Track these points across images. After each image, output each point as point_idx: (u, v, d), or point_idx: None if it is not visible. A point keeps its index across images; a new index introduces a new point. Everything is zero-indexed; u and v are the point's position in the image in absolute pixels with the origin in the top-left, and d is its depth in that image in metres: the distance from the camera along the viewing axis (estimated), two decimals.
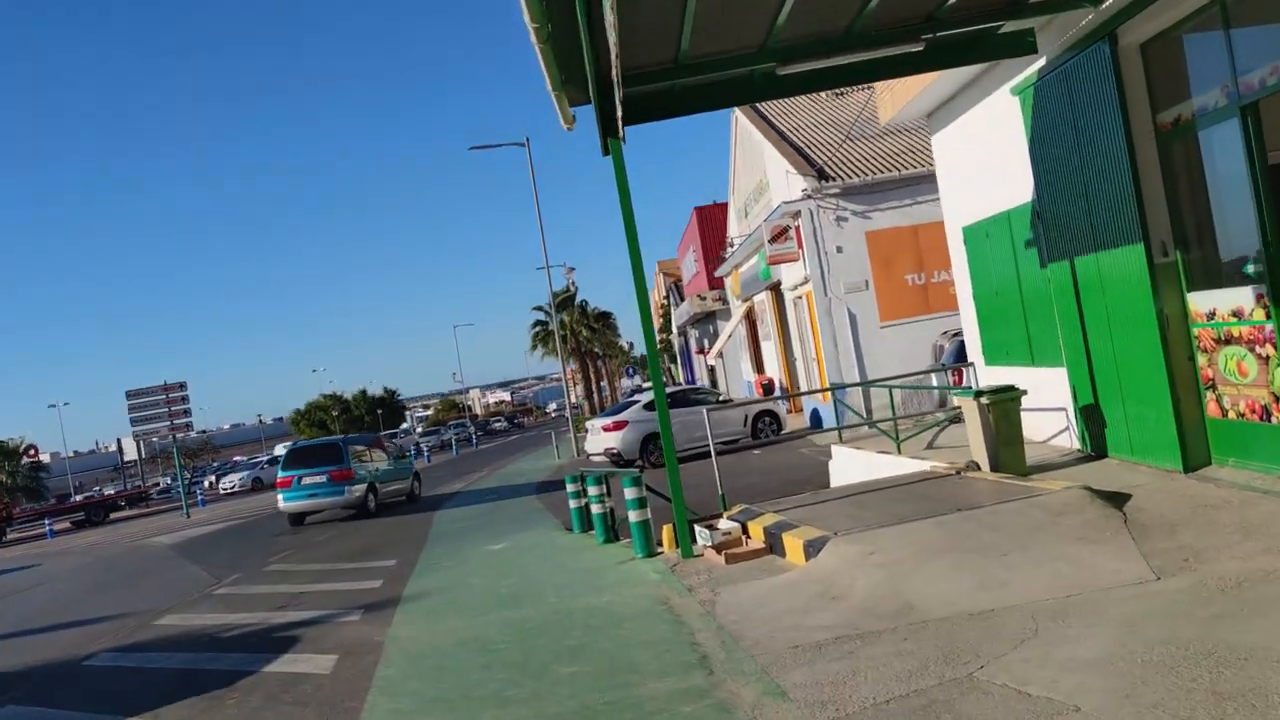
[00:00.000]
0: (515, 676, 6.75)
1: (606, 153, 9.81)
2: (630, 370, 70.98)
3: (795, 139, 27.10)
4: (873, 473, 13.27)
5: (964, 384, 16.43)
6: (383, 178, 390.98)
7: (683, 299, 66.25)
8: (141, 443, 47.72)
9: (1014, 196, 11.70)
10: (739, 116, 31.71)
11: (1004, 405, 10.01)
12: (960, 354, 20.64)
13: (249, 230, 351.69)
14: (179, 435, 34.31)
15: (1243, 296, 8.09)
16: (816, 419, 25.79)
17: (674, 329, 75.71)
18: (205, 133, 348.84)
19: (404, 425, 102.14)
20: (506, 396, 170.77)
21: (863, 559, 7.32)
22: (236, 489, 54.83)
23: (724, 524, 9.53)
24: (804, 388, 27.10)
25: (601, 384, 70.33)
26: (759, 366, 37.54)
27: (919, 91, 12.81)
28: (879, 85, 14.17)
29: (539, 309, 63.19)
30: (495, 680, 6.78)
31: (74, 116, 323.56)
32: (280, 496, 23.67)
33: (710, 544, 9.18)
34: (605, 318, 65.53)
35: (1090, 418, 10.46)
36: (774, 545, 8.67)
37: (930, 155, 24.61)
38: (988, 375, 13.28)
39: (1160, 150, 8.93)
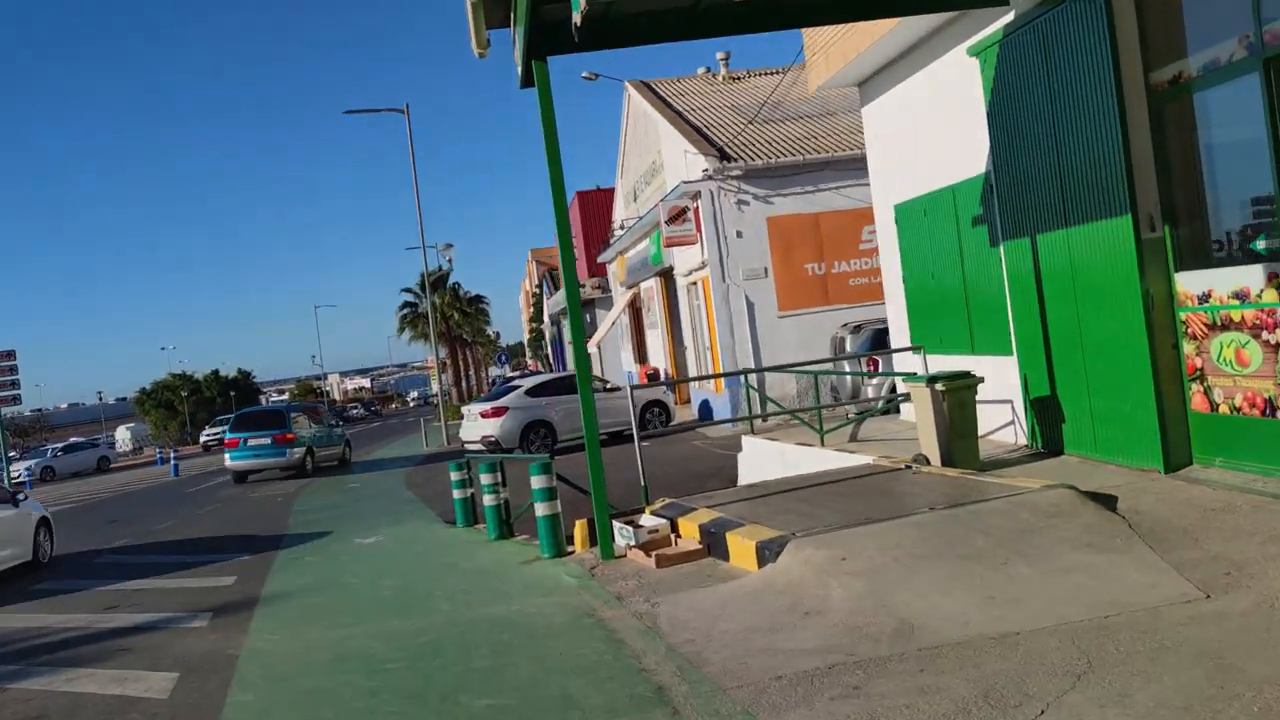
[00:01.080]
0: (413, 710, 5.29)
1: (527, 83, 8.39)
2: (502, 358, 69.08)
3: (693, 119, 26.01)
4: (793, 468, 12.16)
5: (879, 372, 15.56)
6: (245, 144, 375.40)
7: (556, 288, 64.82)
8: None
9: (961, 169, 10.74)
10: (632, 94, 30.49)
11: (960, 393, 8.99)
12: (867, 348, 19.89)
13: (95, 191, 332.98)
14: (6, 410, 31.05)
15: (1249, 276, 7.19)
16: (707, 410, 24.74)
17: (545, 318, 74.18)
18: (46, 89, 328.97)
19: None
20: (366, 383, 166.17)
21: (833, 565, 6.11)
22: (23, 478, 42.87)
23: (649, 520, 8.21)
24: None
25: (470, 372, 68.16)
26: (641, 356, 36.41)
27: (857, 54, 11.72)
28: (811, 48, 13.07)
29: (408, 290, 60.79)
30: (387, 713, 5.31)
31: None
32: (227, 456, 25.68)
33: (634, 543, 7.87)
34: (478, 301, 63.45)
35: (1044, 411, 9.54)
36: (713, 546, 7.40)
37: (835, 141, 23.99)
38: (919, 365, 12.32)
39: (1151, 113, 8.00)
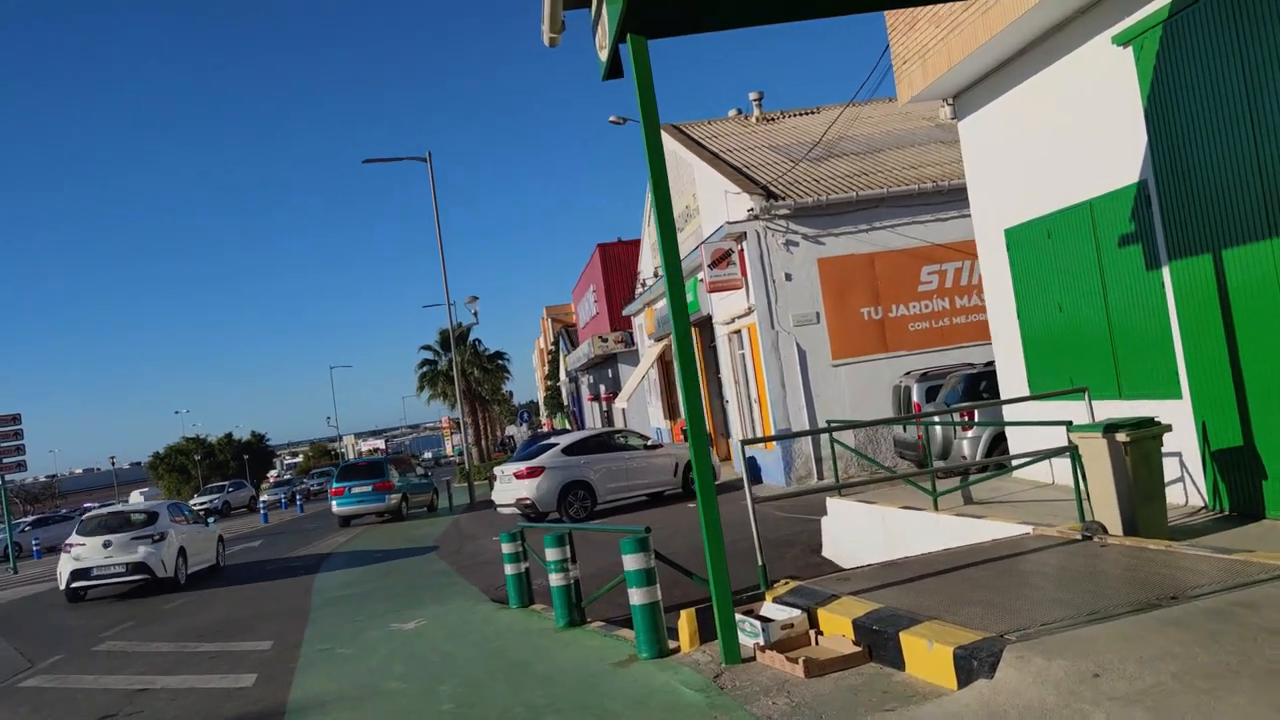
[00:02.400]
0: None
1: (613, 73, 6.89)
2: (523, 415, 67.38)
3: (731, 160, 24.61)
4: (897, 537, 10.48)
5: (976, 422, 13.83)
6: (260, 204, 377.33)
7: (574, 344, 63.36)
8: (2, 482, 42.20)
9: (1101, 181, 9.17)
10: (662, 136, 29.15)
11: (1144, 444, 7.31)
12: (932, 398, 18.25)
13: (112, 261, 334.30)
14: (8, 476, 29.47)
15: None
16: (754, 468, 22.99)
17: (562, 375, 72.63)
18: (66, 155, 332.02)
19: (273, 472, 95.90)
20: (381, 444, 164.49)
21: (1086, 686, 4.41)
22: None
23: (777, 611, 6.51)
24: (737, 433, 24.33)
25: (487, 430, 66.50)
26: (672, 412, 34.74)
27: (965, 57, 10.21)
28: (902, 56, 11.58)
29: (427, 348, 59.31)
30: None
31: None
32: (334, 503, 28.93)
33: (763, 642, 6.17)
34: (498, 358, 61.92)
35: (1233, 466, 7.87)
36: (877, 648, 5.70)
37: (888, 177, 22.55)
38: (1036, 414, 10.64)
39: None
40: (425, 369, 59.58)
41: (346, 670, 8.79)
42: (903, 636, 5.45)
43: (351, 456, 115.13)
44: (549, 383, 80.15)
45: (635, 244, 45.78)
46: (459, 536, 21.49)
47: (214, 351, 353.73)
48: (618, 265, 46.89)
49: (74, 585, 18.12)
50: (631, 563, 7.01)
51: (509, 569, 10.58)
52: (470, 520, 25.15)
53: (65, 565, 18.34)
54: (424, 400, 60.21)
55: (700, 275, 25.51)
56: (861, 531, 11.37)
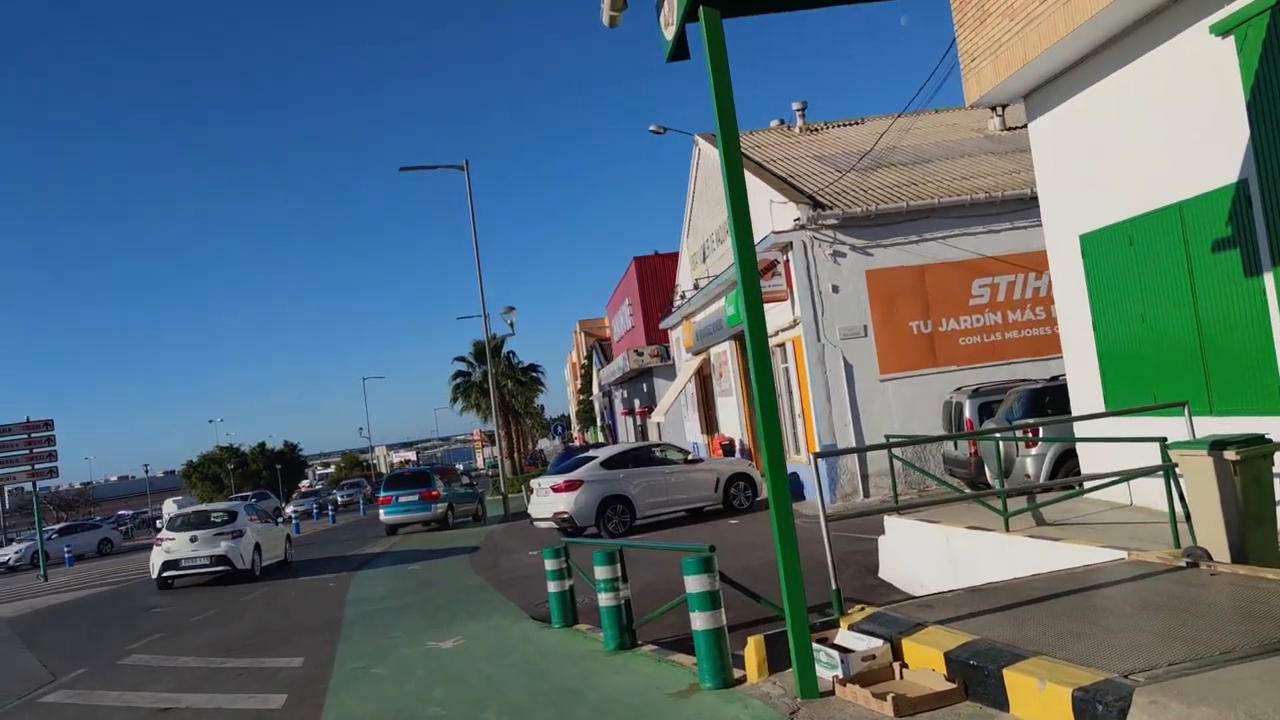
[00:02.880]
0: None
1: (678, 54, 6.39)
2: (557, 429, 66.92)
3: (776, 170, 24.08)
4: (964, 559, 9.87)
5: (1042, 438, 13.16)
6: (291, 214, 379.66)
7: (608, 358, 62.90)
8: (6, 491, 42.16)
9: (1192, 182, 8.56)
10: (703, 147, 28.74)
11: (1255, 464, 6.68)
12: (986, 414, 17.60)
13: (149, 267, 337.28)
14: (41, 482, 29.27)
15: None
16: (796, 485, 22.37)
17: (595, 389, 72.18)
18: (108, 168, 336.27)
19: (305, 482, 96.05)
20: (412, 456, 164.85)
21: None
22: (12, 562, 40.85)
23: (857, 640, 5.94)
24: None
25: (520, 444, 66.12)
26: (709, 426, 34.17)
27: (1040, 52, 9.63)
28: (970, 54, 11.01)
29: (461, 359, 59.04)
30: None
31: None
32: (381, 511, 29.50)
33: (842, 674, 5.61)
34: (531, 370, 61.57)
35: None
36: (974, 685, 5.13)
37: (938, 188, 21.93)
38: (1112, 431, 10.00)
39: None
40: (459, 380, 59.32)
41: (382, 692, 8.29)
42: (1007, 673, 4.87)
43: (384, 468, 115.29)
44: (581, 397, 79.79)
45: (672, 257, 45.34)
46: (494, 550, 21.01)
47: (249, 361, 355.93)
48: (654, 279, 46.42)
49: (164, 574, 20.57)
50: (695, 584, 6.46)
51: (552, 586, 10.06)
52: (505, 533, 24.68)
53: (157, 557, 20.81)
54: (457, 412, 59.91)
55: None
56: (923, 553, 10.76)
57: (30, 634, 15.96)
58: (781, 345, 22.57)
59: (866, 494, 20.00)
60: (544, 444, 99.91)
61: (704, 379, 34.03)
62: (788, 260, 20.77)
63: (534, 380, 61.94)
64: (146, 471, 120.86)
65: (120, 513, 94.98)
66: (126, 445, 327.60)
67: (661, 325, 38.81)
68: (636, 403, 50.65)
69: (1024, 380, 17.31)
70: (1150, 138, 9.12)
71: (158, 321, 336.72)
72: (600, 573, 8.29)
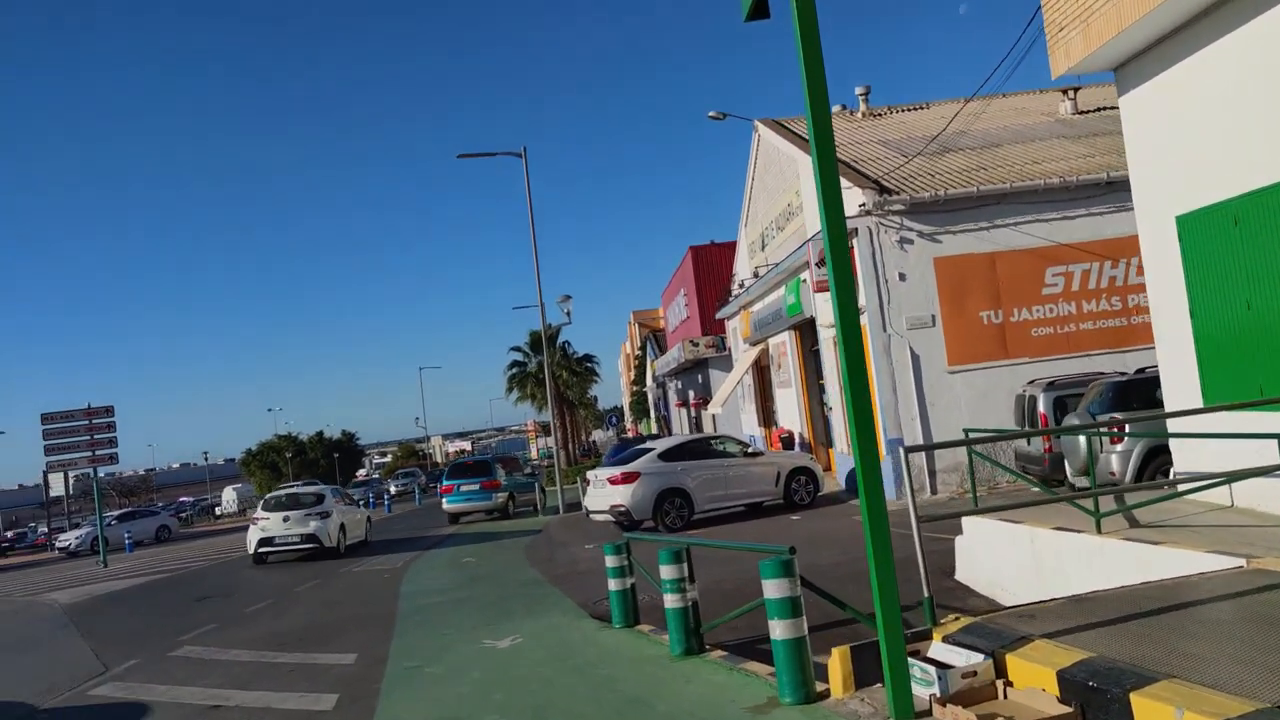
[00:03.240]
0: None
1: (756, 13, 5.88)
2: (612, 420, 66.58)
3: (839, 154, 23.38)
4: (1049, 562, 9.26)
5: (1132, 434, 12.46)
6: (350, 206, 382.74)
7: (662, 349, 62.46)
8: (70, 476, 42.77)
9: None
10: (762, 132, 28.11)
11: None
12: (1061, 409, 16.89)
13: (217, 261, 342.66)
14: (101, 468, 29.55)
15: None
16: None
17: (649, 381, 71.79)
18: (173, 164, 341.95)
19: (361, 471, 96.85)
20: (467, 446, 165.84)
21: None
22: (73, 548, 42.11)
23: (954, 654, 5.41)
24: (841, 443, 23.11)
25: (577, 435, 65.92)
26: (767, 419, 33.58)
27: (1138, 19, 8.96)
28: (1057, 23, 10.36)
29: (517, 349, 58.92)
30: None
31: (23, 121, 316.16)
32: (444, 500, 30.06)
33: (939, 692, 5.09)
34: (586, 361, 61.26)
35: None
36: (1092, 709, 4.58)
37: (1010, 172, 21.14)
38: (1212, 425, 9.32)
39: None
40: (514, 370, 59.22)
41: (437, 694, 7.90)
42: (1135, 698, 4.32)
43: (439, 458, 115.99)
44: (635, 388, 79.50)
45: (729, 247, 44.74)
46: (550, 543, 20.66)
47: (308, 350, 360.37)
48: (710, 268, 45.89)
49: (260, 550, 22.45)
50: (774, 589, 5.96)
51: (613, 584, 9.61)
52: (560, 526, 24.33)
53: (253, 535, 22.62)
54: (512, 402, 59.79)
55: (804, 275, 24.38)
56: (1005, 555, 10.16)
57: (86, 622, 15.89)
58: None
59: (934, 490, 19.34)
60: (598, 435, 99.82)
61: (762, 370, 33.44)
62: (852, 247, 20.13)
63: (589, 371, 61.68)
64: (206, 459, 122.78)
65: (181, 499, 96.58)
66: (189, 433, 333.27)
67: (718, 315, 38.26)
68: (691, 394, 50.16)
69: (1104, 373, 16.58)
70: (1257, 109, 8.43)
71: (220, 311, 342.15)
72: (666, 572, 7.82)
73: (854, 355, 5.65)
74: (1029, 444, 17.73)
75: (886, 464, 19.71)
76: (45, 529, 58.58)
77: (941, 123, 25.56)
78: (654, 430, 67.67)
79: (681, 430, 49.89)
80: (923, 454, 19.42)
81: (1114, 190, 19.80)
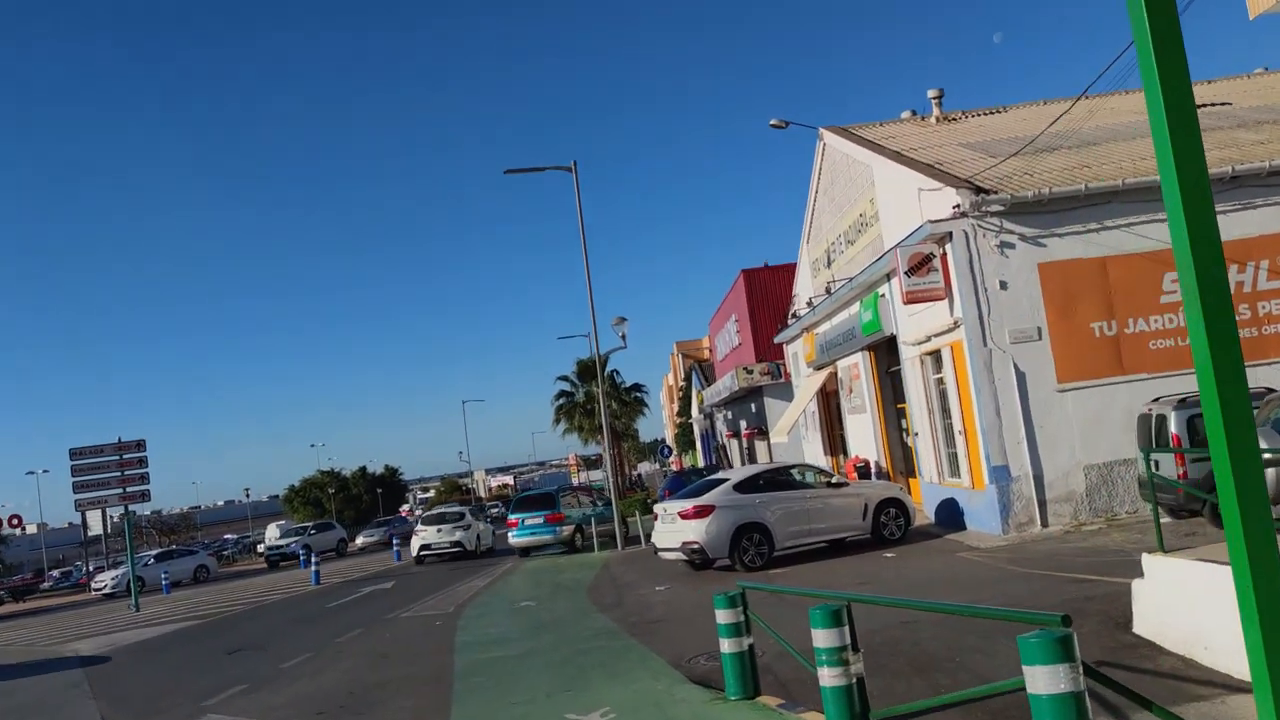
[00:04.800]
0: None
1: None
2: (664, 451, 64.59)
3: (921, 157, 21.53)
4: None
5: None
6: (388, 238, 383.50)
7: (708, 380, 60.59)
8: (109, 514, 41.50)
9: None
10: (829, 140, 26.32)
11: None
12: (1195, 430, 14.87)
13: (261, 299, 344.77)
14: (138, 505, 28.04)
15: None
16: (952, 512, 19.68)
17: (694, 412, 69.87)
18: (207, 187, 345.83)
19: (404, 506, 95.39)
20: (509, 480, 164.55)
21: None
22: (109, 589, 40.34)
23: None
24: (930, 473, 21.07)
25: (624, 468, 64.01)
26: (834, 447, 31.54)
27: None
28: None
29: (564, 378, 57.19)
30: None
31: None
32: (510, 534, 29.16)
33: None
34: (635, 390, 59.44)
35: None
36: None
37: (1118, 169, 19.15)
38: None
39: None
40: (562, 400, 57.46)
41: None
42: None
43: (482, 492, 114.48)
44: (680, 419, 77.56)
45: (784, 269, 42.94)
46: (613, 584, 18.74)
47: (352, 385, 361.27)
48: (763, 292, 44.08)
49: (421, 553, 30.80)
50: (1045, 681, 4.00)
51: (727, 644, 7.70)
52: (621, 564, 22.40)
53: (415, 542, 31.24)
54: (559, 434, 58.01)
55: (881, 290, 22.46)
56: (1211, 605, 8.13)
57: (104, 678, 14.20)
58: (934, 353, 19.96)
59: (1045, 523, 17.26)
60: (643, 467, 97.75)
61: (828, 396, 31.45)
62: (944, 254, 18.23)
63: (637, 400, 59.84)
64: (248, 496, 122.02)
65: (225, 537, 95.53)
66: (232, 470, 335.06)
67: (777, 339, 36.35)
68: (743, 424, 48.18)
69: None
70: None
71: (266, 347, 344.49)
72: (823, 638, 5.90)
73: (1221, 330, 3.75)
74: (1158, 469, 15.67)
75: (990, 494, 17.68)
76: (88, 568, 57.39)
77: (1023, 125, 23.66)
78: (700, 463, 65.69)
79: (735, 462, 47.75)
80: (1032, 485, 17.38)
81: (1239, 186, 17.79)
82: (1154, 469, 15.64)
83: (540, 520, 28.04)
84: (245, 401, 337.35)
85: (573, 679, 9.80)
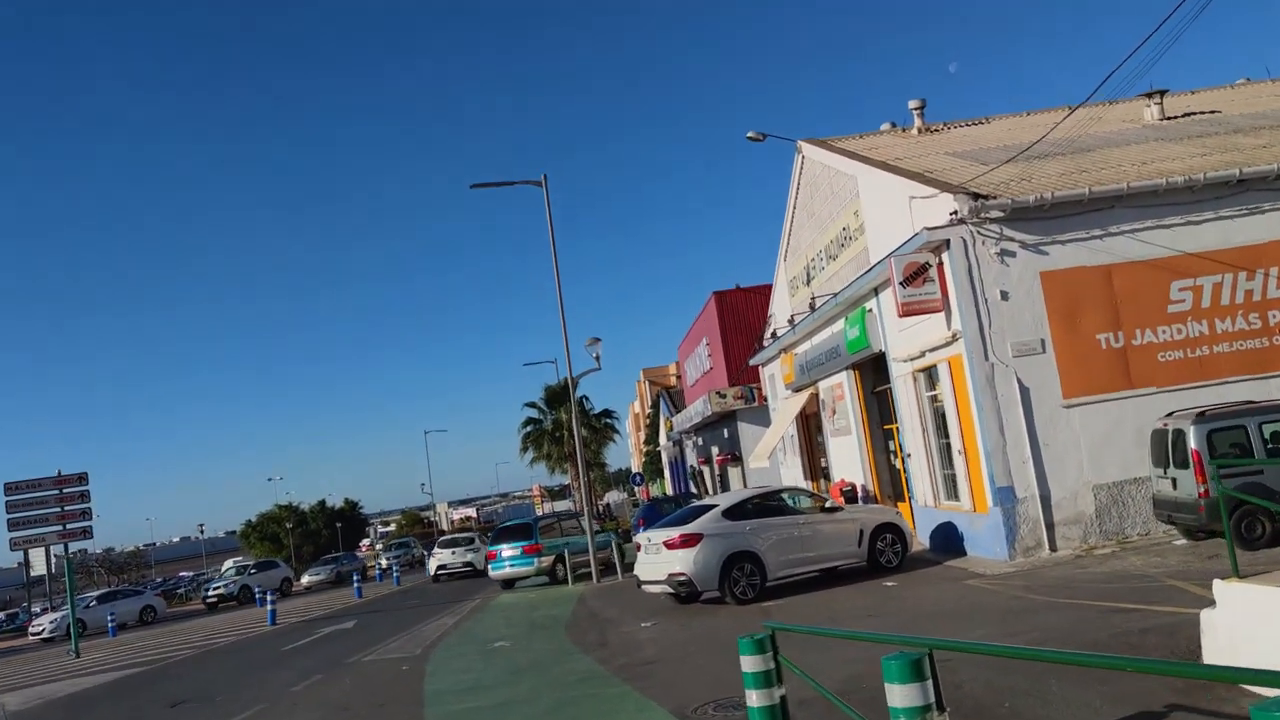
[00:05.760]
0: None
1: None
2: (636, 479, 63.15)
3: (908, 166, 20.59)
4: None
5: None
6: (344, 249, 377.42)
7: (676, 407, 59.41)
8: (52, 553, 39.59)
9: None
10: (807, 153, 25.39)
11: None
12: (1216, 445, 13.95)
13: (215, 322, 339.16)
14: (73, 543, 26.20)
15: None
16: (949, 537, 18.59)
17: (662, 439, 68.60)
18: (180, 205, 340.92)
19: (364, 541, 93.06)
20: (473, 513, 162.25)
21: None
22: (46, 633, 38.06)
23: None
24: (924, 495, 19.97)
25: (591, 497, 62.50)
26: (814, 471, 30.42)
27: None
28: None
29: (531, 405, 55.65)
30: None
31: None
32: (489, 567, 28.67)
33: None
34: (606, 416, 58.09)
35: None
36: None
37: (1120, 173, 18.31)
38: None
39: None
40: (530, 428, 55.87)
41: None
42: None
43: (444, 525, 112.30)
44: (647, 447, 76.17)
45: (757, 291, 42.01)
46: (592, 620, 17.43)
47: (310, 416, 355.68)
48: (735, 315, 43.12)
49: (438, 573, 36.52)
50: None
51: (756, 697, 6.44)
52: (597, 597, 21.07)
53: (432, 563, 37.48)
54: (526, 463, 56.39)
55: (869, 305, 21.45)
56: None
57: None
58: (928, 369, 18.93)
59: (1053, 547, 16.21)
60: (610, 496, 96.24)
61: (807, 419, 30.36)
62: (941, 263, 17.23)
63: (608, 426, 58.48)
64: (202, 533, 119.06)
65: (180, 574, 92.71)
66: (187, 507, 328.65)
67: (752, 361, 35.29)
68: (715, 450, 47.02)
69: (1254, 402, 13.74)
70: None
71: (220, 379, 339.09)
72: (901, 695, 4.63)
73: None
74: (1175, 488, 14.71)
75: (994, 517, 16.60)
76: (37, 609, 54.77)
77: (1010, 134, 22.82)
78: (667, 492, 64.33)
79: (714, 490, 46.45)
80: (1039, 507, 16.32)
81: (1246, 190, 16.99)
82: (1174, 488, 14.67)
83: (518, 551, 27.13)
84: (200, 435, 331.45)
85: None
